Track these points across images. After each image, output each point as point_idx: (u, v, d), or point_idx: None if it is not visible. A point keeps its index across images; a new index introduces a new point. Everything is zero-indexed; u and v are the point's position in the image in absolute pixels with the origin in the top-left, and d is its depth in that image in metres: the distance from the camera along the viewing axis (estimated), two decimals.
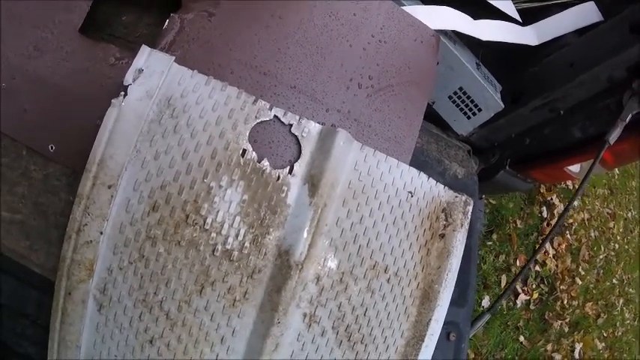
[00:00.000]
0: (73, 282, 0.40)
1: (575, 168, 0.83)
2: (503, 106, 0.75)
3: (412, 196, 0.49)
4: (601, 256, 2.56)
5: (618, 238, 2.74)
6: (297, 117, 0.45)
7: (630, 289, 2.70)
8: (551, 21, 0.77)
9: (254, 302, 0.43)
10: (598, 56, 0.70)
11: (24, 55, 0.47)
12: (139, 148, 0.41)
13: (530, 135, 0.85)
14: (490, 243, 2.05)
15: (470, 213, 0.52)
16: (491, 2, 0.71)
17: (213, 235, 0.41)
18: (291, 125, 0.45)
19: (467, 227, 0.52)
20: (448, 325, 0.70)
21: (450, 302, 0.72)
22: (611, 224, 2.73)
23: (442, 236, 0.51)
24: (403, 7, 0.59)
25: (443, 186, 0.51)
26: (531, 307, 2.15)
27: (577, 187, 0.81)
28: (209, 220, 0.41)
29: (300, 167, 0.44)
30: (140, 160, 0.41)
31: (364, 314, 0.47)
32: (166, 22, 0.51)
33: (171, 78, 0.43)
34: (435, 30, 0.61)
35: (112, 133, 0.40)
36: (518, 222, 2.20)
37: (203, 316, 0.42)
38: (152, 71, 0.42)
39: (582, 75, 0.72)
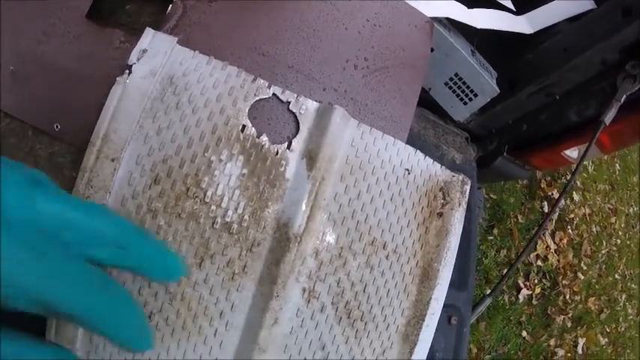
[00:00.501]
0: None
1: (573, 153, 0.84)
2: (499, 91, 0.76)
3: (409, 174, 0.49)
4: (603, 252, 2.56)
5: (620, 233, 2.74)
6: (295, 95, 0.46)
7: (633, 285, 2.69)
8: (544, 10, 0.78)
9: (253, 276, 0.43)
10: (591, 40, 0.71)
11: (33, 40, 0.48)
12: (142, 124, 0.41)
13: (527, 121, 0.85)
14: (491, 238, 2.06)
15: (467, 192, 0.52)
16: None
17: (213, 207, 0.42)
18: (289, 102, 0.46)
19: (465, 207, 0.52)
20: (449, 308, 0.71)
21: (451, 286, 0.72)
22: (613, 219, 2.74)
23: (440, 215, 0.51)
24: None
25: (440, 165, 0.51)
26: (534, 302, 2.15)
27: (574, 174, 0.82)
28: (209, 193, 0.42)
29: (298, 143, 0.45)
30: (143, 135, 0.41)
31: (364, 291, 0.47)
32: (169, 8, 0.52)
33: (174, 58, 0.44)
34: (429, 17, 0.62)
35: (116, 109, 0.41)
36: (520, 217, 2.20)
37: (202, 289, 0.42)
38: (156, 51, 0.43)
39: (576, 59, 0.73)
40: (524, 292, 2.07)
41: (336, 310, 0.46)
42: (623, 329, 2.48)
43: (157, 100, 0.42)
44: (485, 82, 0.76)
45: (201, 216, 0.42)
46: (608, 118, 0.71)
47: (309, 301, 0.45)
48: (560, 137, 0.84)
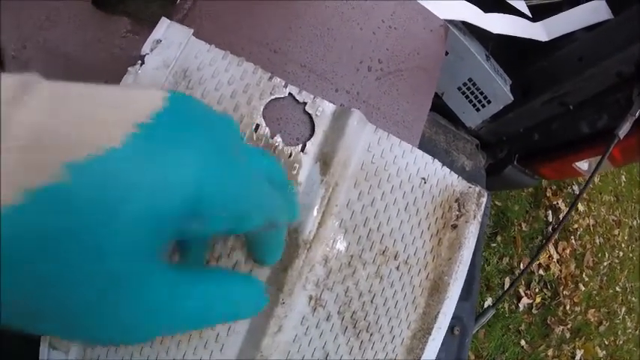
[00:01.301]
0: None
1: (583, 165, 0.82)
2: (512, 99, 0.75)
3: (425, 183, 0.48)
4: (605, 263, 2.55)
5: (623, 245, 2.73)
6: (312, 96, 0.45)
7: (633, 298, 2.68)
8: (561, 17, 0.76)
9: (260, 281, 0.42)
10: (607, 51, 0.70)
11: (36, 25, 0.47)
12: None
13: (538, 130, 0.84)
14: (494, 245, 2.05)
15: (484, 205, 0.50)
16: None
17: None
18: (305, 103, 0.44)
19: (479, 219, 0.50)
20: (452, 319, 0.70)
21: None
22: (616, 231, 2.73)
23: (454, 227, 0.49)
24: None
25: (457, 175, 0.50)
26: (533, 311, 2.14)
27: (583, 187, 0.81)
28: None
29: (312, 145, 0.43)
30: None
31: (371, 301, 0.45)
32: None
33: (189, 50, 0.42)
34: (444, 20, 0.61)
35: None
36: (524, 225, 2.19)
37: None
38: (170, 42, 0.41)
39: (591, 69, 0.72)
40: (525, 300, 2.06)
41: (342, 320, 0.45)
42: (621, 342, 2.47)
43: None
44: (499, 89, 0.74)
45: None
46: (623, 132, 0.70)
47: (315, 310, 0.44)
48: (571, 148, 0.83)
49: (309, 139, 0.44)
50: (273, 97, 0.43)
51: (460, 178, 0.50)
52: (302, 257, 0.42)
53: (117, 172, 0.16)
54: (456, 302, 0.49)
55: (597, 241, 2.49)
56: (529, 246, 2.13)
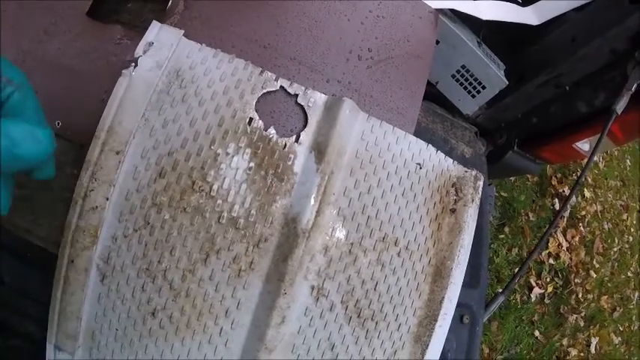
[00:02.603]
0: (77, 249, 0.39)
1: (584, 145, 0.82)
2: (507, 82, 0.74)
3: (421, 168, 0.48)
4: (615, 249, 2.53)
5: (632, 230, 2.70)
6: (303, 88, 0.45)
7: None
8: (551, 0, 0.76)
9: (260, 272, 0.42)
10: (599, 29, 0.69)
11: (34, 39, 0.48)
12: (147, 117, 0.41)
13: (536, 113, 0.84)
14: (502, 236, 2.03)
15: (481, 188, 0.51)
16: None
17: (219, 202, 0.41)
18: (297, 95, 0.45)
19: (478, 203, 0.50)
20: (461, 307, 0.69)
21: (462, 283, 0.70)
22: (625, 216, 2.70)
23: (453, 211, 0.49)
24: None
25: (452, 160, 0.50)
26: (546, 300, 2.12)
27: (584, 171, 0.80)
28: (215, 187, 0.41)
29: (306, 136, 0.44)
30: (149, 128, 0.41)
31: (374, 289, 0.45)
32: (169, 3, 0.51)
33: (181, 51, 0.43)
34: (437, 6, 0.61)
35: (121, 101, 0.40)
36: (530, 214, 2.18)
37: (207, 286, 0.41)
38: (162, 44, 0.43)
39: (584, 49, 0.71)
40: (537, 290, 2.04)
41: (346, 309, 0.45)
42: (636, 328, 2.43)
43: (163, 92, 0.42)
44: (493, 74, 0.74)
45: (207, 210, 0.41)
46: (620, 107, 0.69)
47: (317, 300, 0.43)
48: (570, 129, 0.83)
49: (302, 129, 0.44)
50: (264, 90, 0.44)
51: (456, 162, 0.50)
52: (302, 246, 0.42)
53: None
54: (460, 287, 0.49)
55: (606, 226, 2.47)
56: (537, 235, 2.11)
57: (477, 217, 0.50)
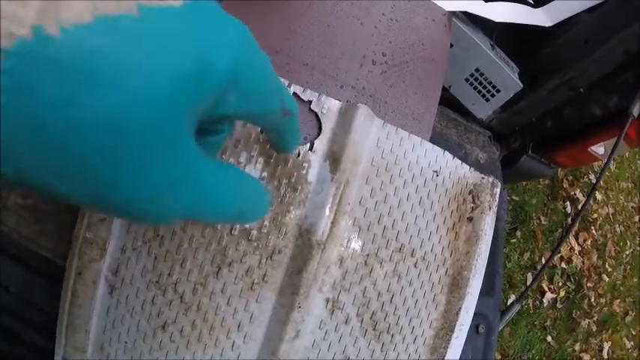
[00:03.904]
0: (85, 261, 0.38)
1: (599, 149, 0.80)
2: (522, 86, 0.73)
3: (437, 176, 0.46)
4: (627, 252, 2.50)
5: None
6: (317, 94, 0.44)
7: None
8: (563, 2, 0.75)
9: (273, 285, 0.40)
10: (612, 30, 0.68)
11: None
12: None
13: (551, 117, 0.82)
14: (514, 240, 2.01)
15: (498, 195, 0.49)
16: None
17: None
18: (310, 102, 0.43)
19: (495, 210, 0.49)
20: (476, 316, 0.67)
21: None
22: (637, 218, 2.67)
23: (470, 219, 0.48)
24: None
25: (468, 167, 0.48)
26: (558, 305, 2.10)
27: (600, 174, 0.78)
28: None
29: (321, 144, 0.42)
30: None
31: (390, 301, 0.44)
32: None
33: None
34: (449, 9, 0.60)
35: None
36: (542, 218, 2.15)
37: (219, 299, 0.40)
38: None
39: (598, 50, 0.70)
40: (549, 295, 2.02)
41: (362, 322, 0.43)
42: None
43: None
44: (507, 77, 0.72)
45: None
46: (636, 110, 0.67)
47: (332, 312, 0.42)
48: (585, 133, 0.81)
49: (316, 137, 0.42)
50: None
51: (472, 169, 0.48)
52: (316, 259, 0.40)
53: (173, 27, 0.16)
54: (477, 297, 0.48)
55: (618, 229, 2.44)
56: (549, 239, 2.09)
57: (494, 225, 0.49)
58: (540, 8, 0.72)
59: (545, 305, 1.99)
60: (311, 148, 0.42)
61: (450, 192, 0.46)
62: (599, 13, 0.72)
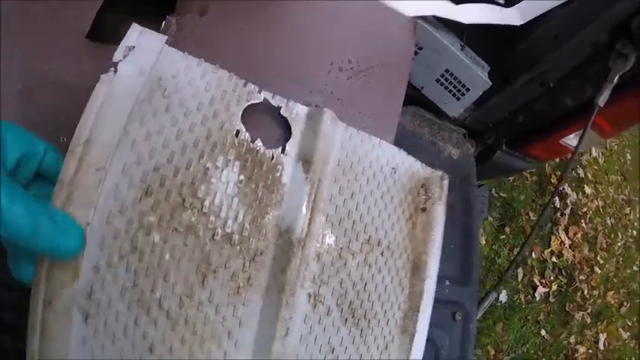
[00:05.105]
0: (55, 287, 0.33)
1: (572, 141, 0.83)
2: (491, 83, 0.76)
3: (395, 172, 0.50)
4: (619, 244, 2.52)
5: (635, 224, 2.69)
6: (285, 100, 0.47)
7: None
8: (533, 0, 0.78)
9: (259, 287, 0.41)
10: (581, 23, 0.71)
11: (39, 59, 0.49)
12: (128, 129, 0.37)
13: (523, 112, 0.86)
14: (503, 237, 2.04)
15: (446, 187, 0.53)
16: None
17: (212, 218, 0.40)
18: (279, 107, 0.46)
19: (445, 200, 0.52)
20: (453, 304, 0.70)
21: (454, 281, 0.72)
22: (627, 210, 2.69)
23: (424, 210, 0.51)
24: None
25: (420, 163, 0.52)
26: (551, 299, 2.12)
27: (585, 171, 0.81)
28: (207, 203, 0.40)
29: (292, 146, 0.45)
30: (129, 142, 0.37)
31: (364, 289, 0.47)
32: (163, 24, 0.53)
33: (163, 57, 0.41)
34: (414, 16, 0.63)
35: (100, 110, 0.36)
36: (531, 214, 2.18)
37: (207, 309, 0.39)
38: (144, 49, 0.39)
39: (567, 44, 0.73)
40: (541, 289, 2.04)
41: (342, 312, 0.45)
42: None
43: (144, 102, 0.38)
44: (476, 76, 0.76)
45: (200, 228, 0.39)
46: (602, 100, 0.71)
47: (315, 306, 0.44)
48: (556, 126, 0.84)
49: (287, 140, 0.45)
50: (249, 102, 0.44)
51: (423, 165, 0.52)
52: (298, 255, 0.42)
53: None
54: (436, 279, 0.50)
55: (608, 222, 2.46)
56: (539, 234, 2.12)
57: (445, 213, 0.52)
58: (512, 7, 0.75)
59: (537, 300, 2.01)
60: (283, 151, 0.45)
61: (406, 186, 0.50)
62: (570, 7, 0.75)
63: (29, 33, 0.50)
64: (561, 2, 0.74)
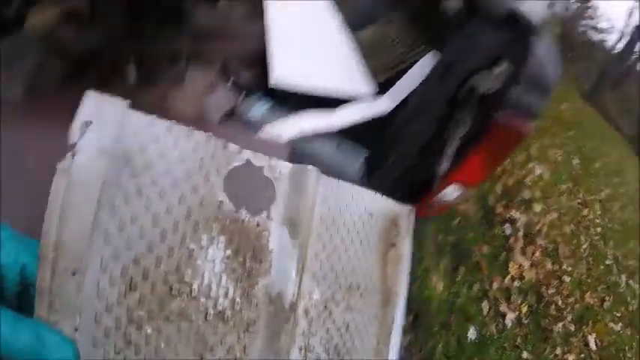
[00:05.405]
0: None
1: (453, 194, 0.94)
2: (362, 173, 0.89)
3: (372, 217, 0.52)
4: (584, 246, 2.49)
5: (597, 221, 2.68)
6: (267, 158, 0.44)
7: (629, 262, 2.62)
8: (401, 82, 0.90)
9: (255, 353, 0.42)
10: (427, 104, 0.82)
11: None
12: (98, 220, 0.34)
13: (398, 185, 0.97)
14: (459, 278, 2.00)
15: (413, 220, 0.56)
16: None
17: (203, 300, 0.39)
18: (262, 167, 0.44)
19: (412, 232, 0.55)
20: None
21: None
22: (585, 212, 2.69)
23: (393, 245, 0.54)
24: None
25: (392, 200, 0.55)
26: (524, 321, 2.06)
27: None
28: (195, 286, 0.39)
29: (276, 209, 0.44)
30: (102, 234, 0.34)
31: (346, 330, 0.49)
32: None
33: (126, 128, 0.36)
34: (292, 137, 0.70)
35: (64, 205, 0.32)
36: (485, 247, 2.16)
37: None
38: (102, 122, 0.34)
39: (417, 125, 0.85)
40: (510, 315, 2.03)
41: (329, 355, 0.47)
42: (635, 307, 2.41)
43: (112, 186, 0.34)
44: (351, 171, 0.87)
45: (191, 313, 0.38)
46: (443, 169, 0.82)
47: (305, 357, 0.45)
48: (420, 193, 0.95)
49: (271, 203, 0.44)
50: (230, 166, 0.42)
51: (395, 201, 0.55)
52: (291, 320, 0.43)
53: None
54: (405, 302, 0.53)
55: (567, 230, 2.52)
56: (495, 265, 2.15)
57: (412, 244, 0.55)
58: (384, 95, 0.86)
59: (509, 326, 2.00)
60: (268, 216, 0.44)
61: (380, 227, 0.53)
62: (418, 90, 0.88)
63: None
64: (422, 79, 0.86)
